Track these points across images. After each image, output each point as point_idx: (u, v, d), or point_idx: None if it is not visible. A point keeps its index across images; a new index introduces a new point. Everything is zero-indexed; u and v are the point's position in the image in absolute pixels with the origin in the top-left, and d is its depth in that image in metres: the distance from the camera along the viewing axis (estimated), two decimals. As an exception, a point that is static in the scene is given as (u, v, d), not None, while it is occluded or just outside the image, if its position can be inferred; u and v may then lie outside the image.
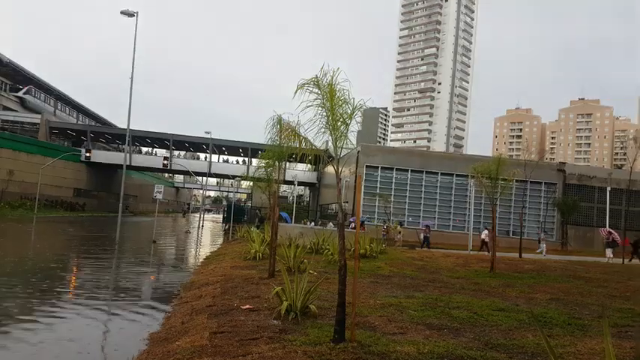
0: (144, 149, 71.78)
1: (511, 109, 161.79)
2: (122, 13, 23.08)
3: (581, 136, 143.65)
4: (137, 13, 23.41)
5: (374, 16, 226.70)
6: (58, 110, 72.22)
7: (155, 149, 69.63)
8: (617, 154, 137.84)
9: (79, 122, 76.17)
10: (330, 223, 30.50)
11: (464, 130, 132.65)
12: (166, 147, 63.34)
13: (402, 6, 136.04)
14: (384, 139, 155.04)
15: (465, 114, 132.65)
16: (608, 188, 30.31)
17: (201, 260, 17.76)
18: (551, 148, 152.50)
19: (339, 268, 5.96)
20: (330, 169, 45.66)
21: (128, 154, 31.82)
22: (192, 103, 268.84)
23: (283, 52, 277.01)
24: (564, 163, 44.88)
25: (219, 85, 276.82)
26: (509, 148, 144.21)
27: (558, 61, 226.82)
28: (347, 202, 33.91)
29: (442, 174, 35.47)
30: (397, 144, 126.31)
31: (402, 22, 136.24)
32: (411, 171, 35.28)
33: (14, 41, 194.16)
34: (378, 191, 33.47)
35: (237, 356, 5.09)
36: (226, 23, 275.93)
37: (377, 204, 33.37)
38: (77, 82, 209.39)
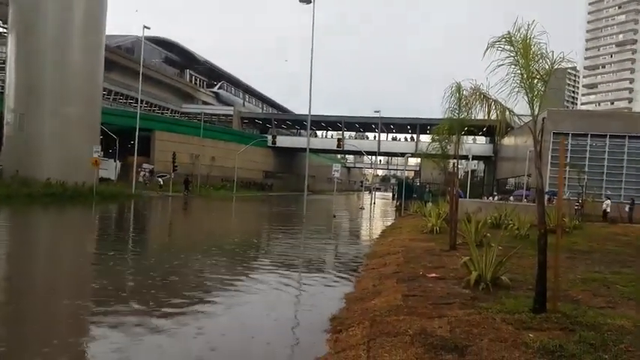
0: (318, 132, 76.97)
1: None
2: (301, 1, 24.85)
3: None
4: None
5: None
6: (246, 102, 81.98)
7: (328, 132, 74.05)
8: None
9: (264, 112, 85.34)
10: (511, 197, 28.50)
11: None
12: (338, 129, 66.70)
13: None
14: (572, 102, 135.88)
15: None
16: None
17: (378, 233, 18.52)
18: None
19: (538, 237, 5.67)
20: (507, 140, 42.25)
21: (309, 138, 34.62)
22: (359, 83, 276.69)
23: (451, 21, 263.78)
24: None
25: (386, 63, 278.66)
26: None
27: None
28: (529, 174, 31.10)
29: (652, 138, 29.85)
30: (591, 107, 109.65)
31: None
32: (610, 136, 30.44)
33: (203, 42, 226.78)
34: (568, 160, 29.88)
35: (432, 317, 5.30)
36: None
37: (567, 175, 29.85)
38: (257, 72, 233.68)
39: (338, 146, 56.24)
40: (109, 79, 49.86)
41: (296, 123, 72.38)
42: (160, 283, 8.17)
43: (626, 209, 24.41)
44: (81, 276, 9.06)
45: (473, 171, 74.39)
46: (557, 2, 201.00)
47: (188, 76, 75.98)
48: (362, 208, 37.42)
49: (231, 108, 71.62)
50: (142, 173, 42.11)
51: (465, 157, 36.95)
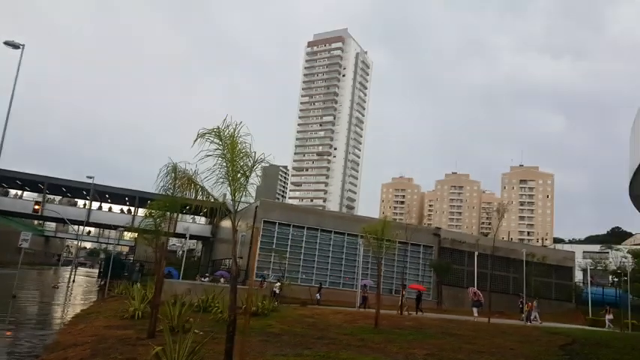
0: (12, 192, 63.84)
1: (396, 177, 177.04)
2: (6, 43, 21.33)
3: (454, 206, 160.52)
4: (23, 45, 21.81)
5: (280, 79, 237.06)
6: None
7: (25, 192, 62.27)
8: (483, 223, 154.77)
9: None
10: (222, 279, 29.37)
11: (355, 192, 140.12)
12: (40, 190, 57.08)
13: (305, 75, 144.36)
14: (283, 196, 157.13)
15: (357, 178, 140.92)
16: (476, 253, 33.58)
17: (69, 318, 15.87)
18: (429, 214, 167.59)
19: (227, 324, 5.79)
20: (225, 222, 44.50)
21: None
22: (77, 148, 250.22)
23: (183, 107, 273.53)
24: (439, 228, 49.14)
25: (107, 130, 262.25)
26: (394, 212, 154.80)
27: (437, 136, 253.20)
28: (241, 257, 33.09)
29: (335, 232, 36.58)
30: (295, 201, 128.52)
31: (303, 89, 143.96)
32: (307, 228, 35.83)
33: None
34: (274, 247, 33.31)
35: None
36: (123, 69, 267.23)
37: (272, 260, 33.12)
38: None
39: (35, 211, 47.66)
40: None
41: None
42: None
43: (317, 295, 28.41)
44: None
45: (191, 250, 74.55)
46: (280, 112, 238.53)
47: None
48: (55, 287, 31.85)
49: None
50: None
51: (182, 236, 36.82)
